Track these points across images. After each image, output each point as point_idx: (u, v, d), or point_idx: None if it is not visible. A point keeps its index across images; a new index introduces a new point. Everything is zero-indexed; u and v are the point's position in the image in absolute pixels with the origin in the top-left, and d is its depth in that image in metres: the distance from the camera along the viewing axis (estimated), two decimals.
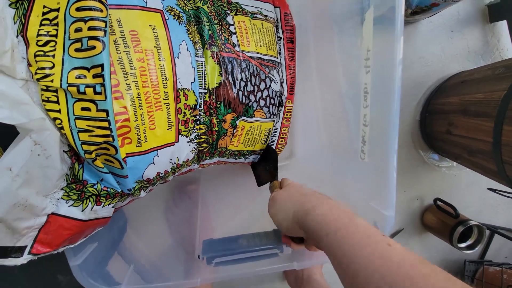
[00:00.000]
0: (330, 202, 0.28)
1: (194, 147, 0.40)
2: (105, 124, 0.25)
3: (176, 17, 0.34)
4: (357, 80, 0.41)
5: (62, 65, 0.25)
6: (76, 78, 0.25)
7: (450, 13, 0.61)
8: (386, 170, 0.34)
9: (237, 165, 0.63)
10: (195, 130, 0.38)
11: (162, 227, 0.55)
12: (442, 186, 0.72)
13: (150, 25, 0.30)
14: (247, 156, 0.51)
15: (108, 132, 0.26)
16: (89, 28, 0.25)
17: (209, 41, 0.37)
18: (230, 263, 0.37)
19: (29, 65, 0.24)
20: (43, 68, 0.24)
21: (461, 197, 0.72)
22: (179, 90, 0.34)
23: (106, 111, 0.25)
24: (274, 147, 0.55)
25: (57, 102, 0.25)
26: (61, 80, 0.25)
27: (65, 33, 0.25)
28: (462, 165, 0.61)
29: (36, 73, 0.24)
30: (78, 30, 0.25)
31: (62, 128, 0.25)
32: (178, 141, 0.36)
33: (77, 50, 0.25)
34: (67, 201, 0.27)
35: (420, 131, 0.67)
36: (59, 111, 0.25)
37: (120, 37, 0.28)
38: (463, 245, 0.65)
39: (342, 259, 0.22)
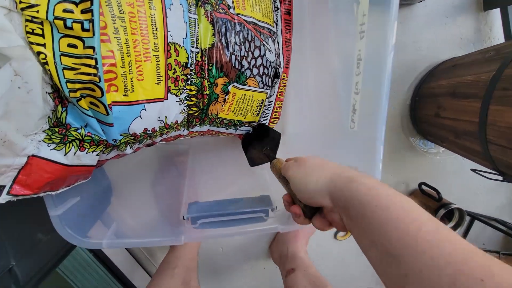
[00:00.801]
0: (374, 179, 0.25)
1: (184, 109, 0.39)
2: (92, 62, 0.25)
3: None
4: (351, 52, 0.41)
5: None
6: (63, 11, 0.24)
7: None
8: (374, 137, 0.34)
9: (227, 138, 0.62)
10: (186, 90, 0.38)
11: (148, 197, 0.54)
12: (427, 172, 0.73)
13: None
14: (238, 127, 0.51)
15: (94, 71, 0.25)
16: None
17: None
18: (214, 225, 0.37)
19: None
20: None
21: (444, 183, 0.74)
22: (170, 44, 0.33)
23: (93, 48, 0.24)
24: (267, 122, 0.55)
25: (42, 35, 0.24)
26: (47, 12, 0.24)
27: None
28: (448, 150, 0.63)
29: (20, 2, 0.23)
30: None
31: (46, 63, 0.24)
32: (167, 99, 0.35)
33: None
34: (49, 144, 0.26)
35: (409, 116, 0.68)
36: (43, 45, 0.24)
37: None
38: None
39: (387, 235, 0.20)
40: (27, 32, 0.23)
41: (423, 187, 0.70)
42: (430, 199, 0.68)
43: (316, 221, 0.30)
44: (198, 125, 0.46)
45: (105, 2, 0.27)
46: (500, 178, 0.50)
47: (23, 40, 0.23)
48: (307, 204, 0.30)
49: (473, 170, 0.55)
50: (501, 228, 0.73)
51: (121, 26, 0.28)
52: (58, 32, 0.24)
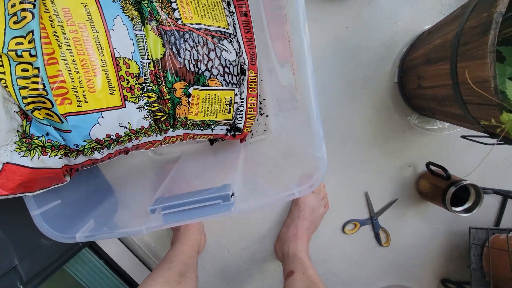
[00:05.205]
0: None
1: (147, 115, 0.44)
2: (38, 79, 0.31)
3: None
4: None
5: (4, 35, 0.31)
6: (15, 45, 0.31)
7: None
8: (311, 113, 0.34)
9: (215, 146, 0.66)
10: (144, 97, 0.43)
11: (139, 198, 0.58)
12: (435, 150, 0.67)
13: (82, 3, 0.36)
14: (212, 127, 0.54)
15: (41, 86, 0.31)
16: (20, 2, 0.30)
17: (148, 17, 0.42)
18: (177, 216, 0.39)
19: None
20: None
21: (457, 160, 0.67)
22: (118, 59, 0.38)
23: (38, 68, 0.30)
24: (244, 118, 0.57)
25: (2, 66, 0.31)
26: (3, 47, 0.30)
27: (5, 10, 0.31)
28: (440, 121, 0.58)
29: None
30: (13, 5, 0.31)
31: (6, 86, 0.31)
32: (125, 106, 0.40)
33: (14, 22, 0.31)
34: (19, 153, 0.33)
35: (400, 94, 0.65)
36: (4, 73, 0.31)
37: (54, 14, 0.34)
38: (459, 208, 0.60)
39: None
40: None
41: (431, 167, 0.65)
42: (440, 179, 0.62)
43: None
44: (171, 129, 0.50)
45: (52, 33, 0.33)
46: (494, 141, 0.44)
47: None
48: None
49: (463, 136, 0.50)
50: None
51: (67, 49, 0.34)
52: (14, 61, 0.31)
